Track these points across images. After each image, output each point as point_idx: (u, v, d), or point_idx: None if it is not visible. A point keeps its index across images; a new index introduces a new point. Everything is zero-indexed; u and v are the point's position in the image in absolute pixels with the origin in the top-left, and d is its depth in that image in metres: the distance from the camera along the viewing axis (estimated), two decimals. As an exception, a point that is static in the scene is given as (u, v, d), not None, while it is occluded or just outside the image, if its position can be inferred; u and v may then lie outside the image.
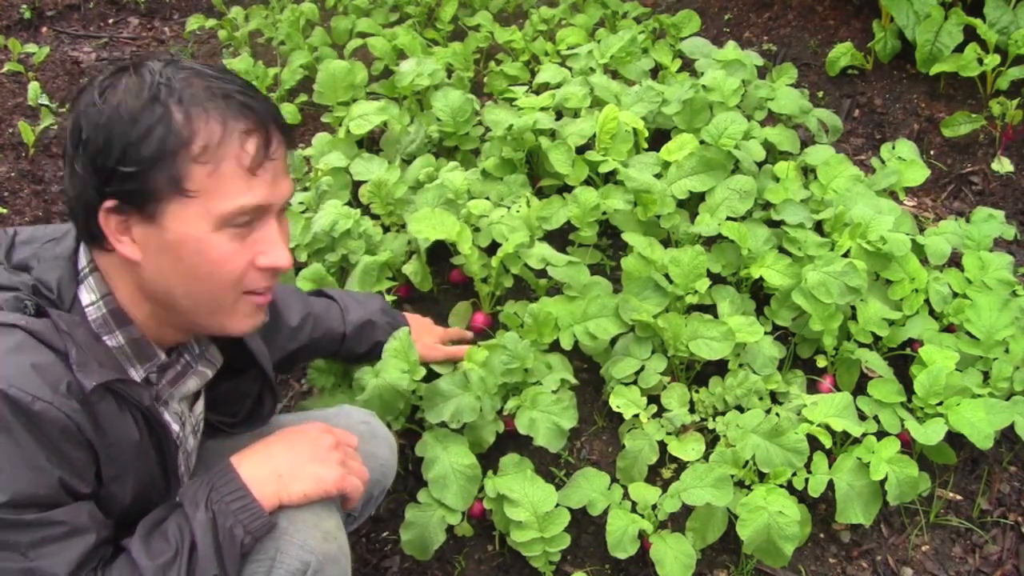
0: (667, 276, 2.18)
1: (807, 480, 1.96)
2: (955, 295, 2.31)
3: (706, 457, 1.99)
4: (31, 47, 3.75)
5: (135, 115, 1.16)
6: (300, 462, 1.38)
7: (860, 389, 2.17)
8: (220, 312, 1.29)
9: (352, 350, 1.94)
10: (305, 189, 2.60)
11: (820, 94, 3.11)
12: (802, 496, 1.97)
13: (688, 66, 3.00)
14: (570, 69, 2.87)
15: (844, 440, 2.05)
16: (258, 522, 1.30)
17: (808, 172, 2.60)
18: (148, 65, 1.21)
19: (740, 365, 2.14)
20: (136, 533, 1.24)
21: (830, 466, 1.99)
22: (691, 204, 2.44)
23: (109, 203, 1.19)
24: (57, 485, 1.15)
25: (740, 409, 2.08)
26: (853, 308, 2.22)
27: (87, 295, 1.25)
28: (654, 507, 1.92)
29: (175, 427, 1.39)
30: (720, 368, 2.16)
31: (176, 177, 1.18)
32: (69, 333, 1.19)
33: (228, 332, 1.34)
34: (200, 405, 1.50)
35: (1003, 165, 2.84)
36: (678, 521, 1.98)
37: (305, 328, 1.82)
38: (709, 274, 2.22)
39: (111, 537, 1.24)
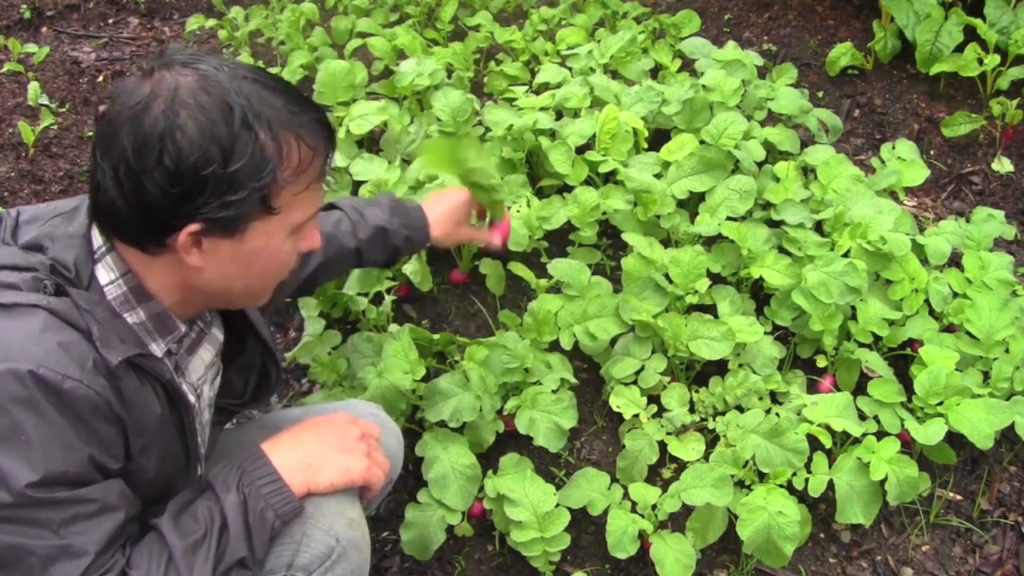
0: (667, 276, 2.18)
1: (807, 480, 1.96)
2: (955, 295, 2.31)
3: (706, 457, 1.99)
4: (31, 47, 3.74)
5: (226, 144, 1.15)
6: (328, 451, 1.40)
7: (860, 389, 2.16)
8: (261, 294, 1.37)
9: (373, 261, 1.91)
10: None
11: (820, 94, 3.11)
12: (802, 496, 1.97)
13: (688, 66, 3.00)
14: (570, 69, 2.87)
15: (844, 440, 2.05)
16: (288, 506, 1.32)
17: (808, 172, 2.60)
18: (213, 75, 1.17)
19: (740, 365, 2.14)
20: (166, 513, 1.26)
21: (830, 466, 1.99)
22: (691, 204, 2.44)
23: (194, 227, 1.18)
24: (87, 463, 1.15)
25: (740, 409, 2.08)
26: (853, 308, 2.22)
27: (105, 274, 1.25)
28: (654, 507, 1.92)
29: (191, 398, 1.41)
30: (720, 368, 2.16)
31: (267, 200, 1.21)
32: (89, 311, 1.19)
33: (255, 306, 1.42)
34: (217, 382, 1.53)
35: (1003, 165, 2.84)
36: (678, 521, 1.98)
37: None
38: (709, 274, 2.22)
39: (138, 516, 1.25)
